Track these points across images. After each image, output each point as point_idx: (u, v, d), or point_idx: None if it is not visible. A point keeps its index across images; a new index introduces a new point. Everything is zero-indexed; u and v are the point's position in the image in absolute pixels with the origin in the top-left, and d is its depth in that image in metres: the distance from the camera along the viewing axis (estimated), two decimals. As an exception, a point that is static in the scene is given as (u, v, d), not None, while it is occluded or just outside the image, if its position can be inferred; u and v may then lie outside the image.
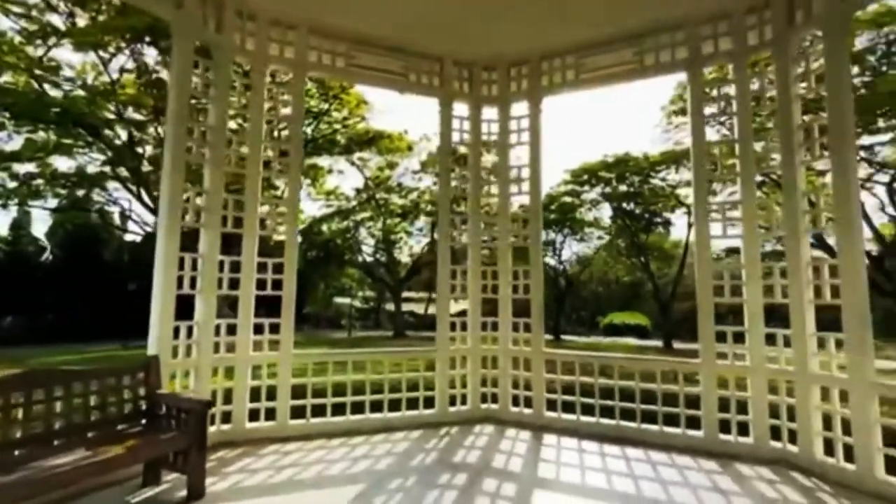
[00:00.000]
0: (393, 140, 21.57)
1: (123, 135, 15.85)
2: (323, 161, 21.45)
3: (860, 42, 12.79)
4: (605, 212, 24.86)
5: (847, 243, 3.78)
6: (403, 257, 28.72)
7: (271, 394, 4.72)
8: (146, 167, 16.52)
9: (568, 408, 5.12)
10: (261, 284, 4.76)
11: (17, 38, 13.05)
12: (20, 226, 25.52)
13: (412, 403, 5.27)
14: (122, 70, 14.94)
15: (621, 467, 4.01)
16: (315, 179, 21.82)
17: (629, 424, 4.80)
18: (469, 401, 5.46)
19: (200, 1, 4.42)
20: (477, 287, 5.67)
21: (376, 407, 5.12)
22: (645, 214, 23.70)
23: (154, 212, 16.59)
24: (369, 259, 28.39)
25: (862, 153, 14.22)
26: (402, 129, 21.96)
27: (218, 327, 4.53)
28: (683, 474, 3.86)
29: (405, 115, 48.95)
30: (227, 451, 4.21)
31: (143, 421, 3.52)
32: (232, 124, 4.85)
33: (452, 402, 5.42)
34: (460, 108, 5.78)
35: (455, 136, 5.73)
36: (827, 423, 3.90)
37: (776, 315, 4.49)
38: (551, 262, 26.87)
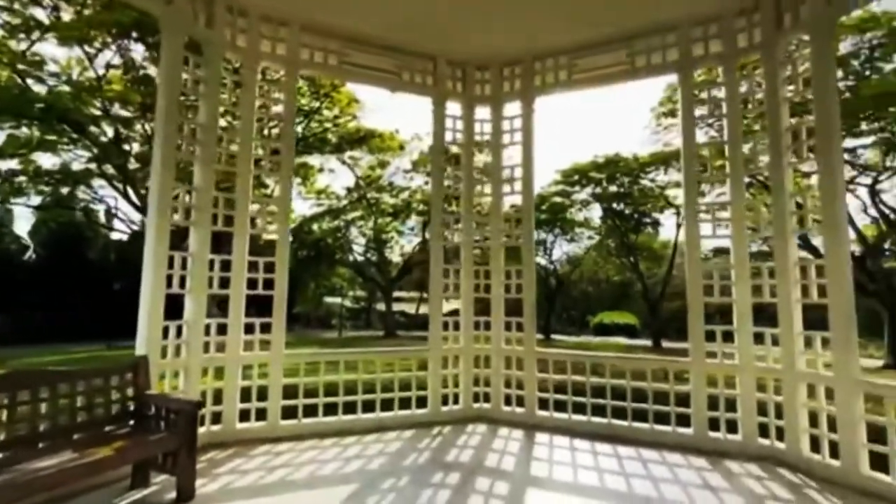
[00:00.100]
0: (384, 139, 21.51)
1: (110, 132, 15.58)
2: (314, 160, 21.32)
3: (844, 47, 13.06)
4: (596, 212, 25.14)
5: (833, 244, 3.85)
6: (394, 257, 28.68)
7: (262, 394, 4.68)
8: (133, 165, 16.26)
9: (560, 407, 5.15)
10: (251, 284, 4.71)
11: (0, 32, 12.76)
12: (2, 224, 24.95)
13: (404, 403, 5.26)
14: (109, 66, 14.68)
15: (613, 465, 4.04)
16: (306, 178, 21.68)
17: (620, 423, 4.84)
18: (461, 400, 5.47)
19: (190, -4, 4.36)
20: (469, 286, 5.67)
21: (368, 407, 5.10)
22: (634, 215, 23.95)
23: (141, 210, 16.35)
24: (360, 258, 28.31)
25: (845, 156, 14.49)
26: (393, 128, 21.90)
27: (208, 327, 4.47)
28: (674, 472, 3.90)
29: (396, 114, 48.86)
30: (217, 452, 4.16)
31: (132, 422, 3.46)
32: (222, 122, 4.78)
33: (445, 402, 5.41)
34: (453, 108, 5.79)
35: (448, 136, 5.72)
36: (813, 420, 3.97)
37: (762, 314, 4.56)
38: (542, 261, 27.02)
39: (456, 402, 5.47)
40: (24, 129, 14.53)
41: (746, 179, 4.75)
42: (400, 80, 5.54)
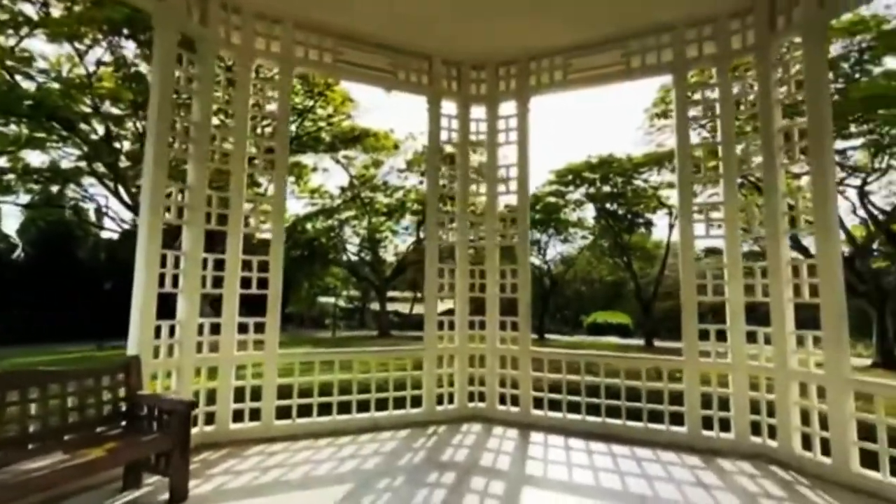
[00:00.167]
0: (379, 138, 21.43)
1: (100, 129, 15.37)
2: (307, 159, 21.20)
3: (833, 49, 13.23)
4: (589, 212, 25.23)
5: (825, 244, 3.89)
6: (389, 256, 28.63)
7: (256, 394, 4.64)
8: (124, 163, 16.07)
9: (554, 406, 5.16)
10: (245, 283, 4.68)
11: (-12, 28, 12.57)
12: (-10, 222, 24.61)
13: (399, 402, 5.25)
14: (100, 63, 14.49)
15: (608, 464, 4.06)
16: (299, 177, 21.55)
17: (615, 422, 4.86)
18: (456, 399, 5.46)
19: (184, -8, 4.31)
20: (464, 286, 5.67)
21: (363, 406, 5.08)
22: (628, 215, 24.09)
23: (132, 209, 16.16)
24: (354, 258, 28.20)
25: (835, 157, 14.69)
26: (387, 127, 21.83)
27: (201, 326, 4.43)
28: (668, 470, 3.92)
29: (391, 113, 48.88)
30: (210, 453, 4.13)
31: (124, 423, 3.43)
32: (215, 120, 4.74)
33: (440, 401, 5.41)
34: (448, 107, 5.77)
35: (443, 135, 5.71)
36: (805, 418, 4.02)
37: (753, 314, 4.59)
38: (536, 261, 27.10)
39: (451, 401, 5.46)
40: (13, 127, 14.31)
41: (738, 180, 4.78)
42: (395, 79, 5.53)
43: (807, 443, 3.96)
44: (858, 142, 14.85)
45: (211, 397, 4.47)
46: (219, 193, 4.61)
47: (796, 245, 12.25)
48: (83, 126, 14.95)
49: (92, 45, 14.08)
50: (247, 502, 3.23)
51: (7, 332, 19.62)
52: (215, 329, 4.53)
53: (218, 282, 4.57)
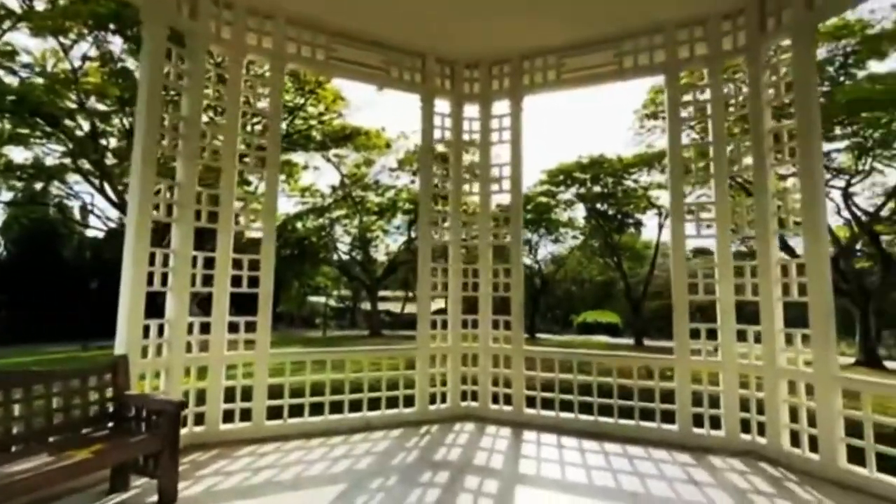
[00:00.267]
0: (370, 137, 21.35)
1: (86, 125, 15.10)
2: (298, 157, 21.03)
3: (819, 53, 13.46)
4: (580, 212, 25.39)
5: (813, 244, 3.95)
6: (380, 256, 28.52)
7: (246, 394, 4.59)
8: (110, 160, 15.80)
9: (547, 404, 5.18)
10: (236, 281, 4.61)
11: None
12: (-29, 220, 24.04)
13: (392, 402, 5.22)
14: (85, 58, 14.24)
15: (600, 462, 4.08)
16: (290, 176, 21.37)
17: (607, 420, 4.89)
18: (449, 399, 5.45)
19: (173, -14, 4.24)
20: (457, 285, 5.66)
21: (355, 406, 5.04)
22: (618, 215, 24.29)
23: (118, 206, 15.90)
24: (345, 257, 28.05)
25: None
26: (379, 126, 21.73)
27: (190, 325, 4.36)
28: (660, 467, 3.95)
29: (383, 111, 48.66)
30: (199, 454, 4.06)
31: (111, 424, 3.36)
32: (204, 117, 4.66)
33: (433, 401, 5.39)
34: (442, 106, 5.76)
35: (436, 134, 5.69)
36: (793, 415, 4.07)
37: (740, 312, 4.63)
38: (527, 261, 27.19)
39: (444, 400, 5.45)
40: (-5, 122, 14.01)
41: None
42: (388, 77, 5.49)
43: (795, 440, 4.01)
44: (843, 144, 15.16)
45: (200, 397, 4.41)
46: (209, 191, 4.54)
47: (782, 245, 12.45)
48: (68, 122, 14.68)
49: (77, 40, 13.84)
50: (238, 504, 3.19)
51: (-12, 332, 19.21)
52: (205, 328, 4.47)
53: (208, 280, 4.50)
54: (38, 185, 18.60)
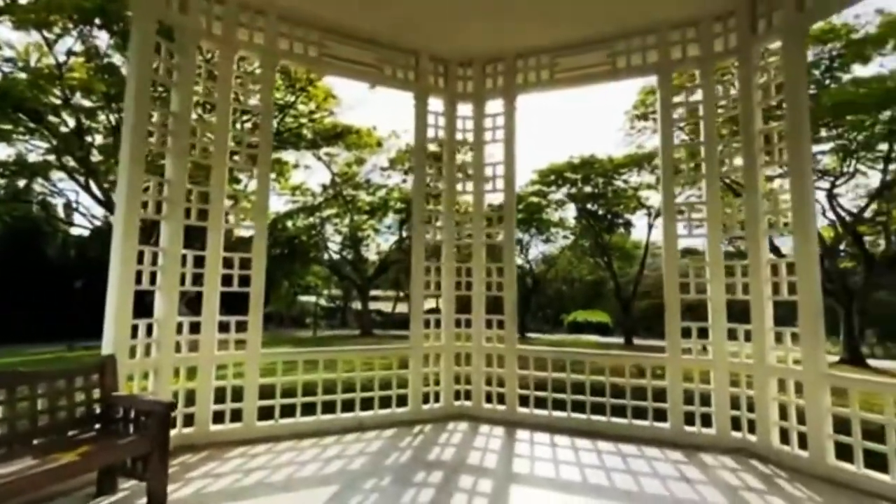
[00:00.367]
0: (361, 136, 21.22)
1: (71, 122, 14.79)
2: (288, 155, 20.83)
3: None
4: (570, 212, 25.53)
5: (803, 243, 4.00)
6: (371, 255, 28.37)
7: (237, 394, 4.52)
8: (96, 157, 15.50)
9: (540, 403, 5.18)
10: (226, 280, 4.55)
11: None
12: (-50, 218, 23.41)
13: (385, 402, 5.19)
14: (70, 53, 13.93)
15: (593, 460, 4.09)
16: (280, 174, 21.15)
17: (599, 418, 4.91)
18: (442, 398, 5.44)
19: (163, -21, 4.16)
20: (450, 284, 5.64)
21: (348, 406, 5.00)
22: (608, 215, 24.46)
23: (104, 204, 15.61)
24: (336, 257, 27.88)
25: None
26: (371, 124, 21.62)
27: (180, 325, 4.29)
28: (652, 465, 3.98)
29: (374, 110, 48.42)
30: (189, 456, 4.00)
31: (98, 425, 3.29)
32: (194, 114, 4.58)
33: (426, 400, 5.37)
34: (435, 104, 5.73)
35: (430, 132, 5.67)
36: (783, 413, 4.12)
37: (731, 311, 4.67)
38: (518, 261, 27.15)
39: (437, 400, 5.43)
40: (-25, 117, 13.66)
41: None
42: (381, 75, 5.46)
43: (785, 437, 4.06)
44: (828, 146, 15.42)
45: (190, 398, 4.34)
46: (200, 188, 4.47)
47: (769, 245, 12.65)
48: (52, 118, 14.36)
49: (62, 35, 13.53)
50: (229, 506, 3.14)
51: (-31, 332, 18.76)
52: (195, 328, 4.40)
53: (198, 279, 4.43)
54: (21, 182, 18.18)
